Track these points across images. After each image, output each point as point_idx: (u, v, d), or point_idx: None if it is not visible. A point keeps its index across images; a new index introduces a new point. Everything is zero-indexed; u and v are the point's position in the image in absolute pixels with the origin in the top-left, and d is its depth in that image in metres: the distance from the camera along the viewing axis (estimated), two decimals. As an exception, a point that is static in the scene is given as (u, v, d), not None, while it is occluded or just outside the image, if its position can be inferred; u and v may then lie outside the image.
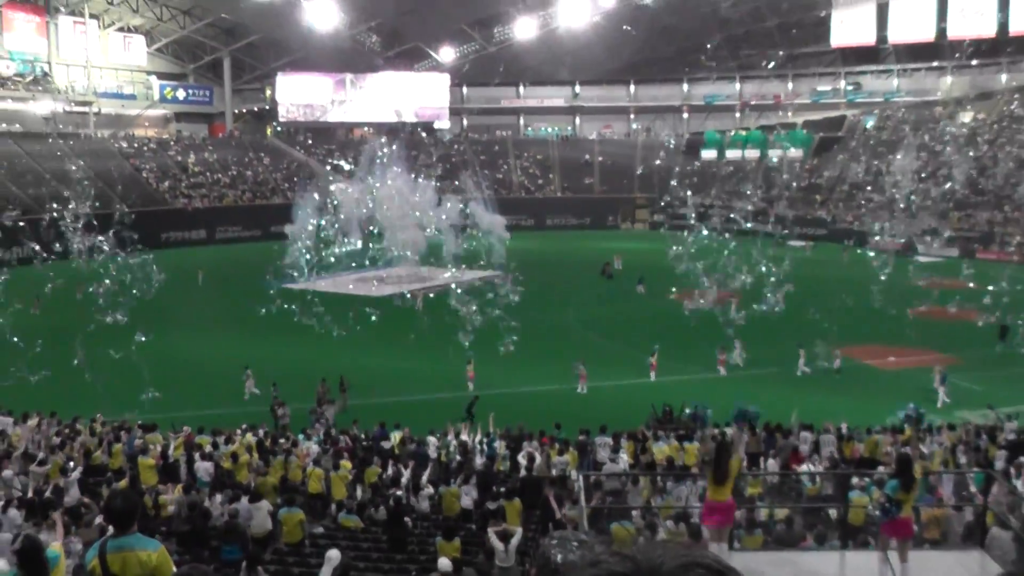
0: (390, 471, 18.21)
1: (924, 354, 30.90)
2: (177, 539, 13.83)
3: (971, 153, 68.78)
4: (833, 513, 13.54)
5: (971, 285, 39.00)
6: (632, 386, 28.65)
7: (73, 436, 20.33)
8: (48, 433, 20.41)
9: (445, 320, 32.77)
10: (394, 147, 57.85)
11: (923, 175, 69.39)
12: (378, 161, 55.45)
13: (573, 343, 33.78)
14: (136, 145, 75.32)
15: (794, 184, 74.91)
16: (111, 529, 5.74)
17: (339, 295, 44.45)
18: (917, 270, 51.32)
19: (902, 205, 63.41)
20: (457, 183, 61.11)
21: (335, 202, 54.97)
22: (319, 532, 15.08)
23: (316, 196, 54.92)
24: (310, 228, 52.46)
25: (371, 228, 53.05)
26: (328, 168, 77.15)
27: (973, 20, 75.56)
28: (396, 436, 21.60)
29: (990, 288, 33.38)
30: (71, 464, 17.46)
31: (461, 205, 53.67)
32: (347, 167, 70.32)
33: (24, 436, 19.91)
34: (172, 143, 78.59)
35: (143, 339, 27.94)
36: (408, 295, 42.98)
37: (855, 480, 14.42)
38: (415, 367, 30.53)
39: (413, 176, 57.06)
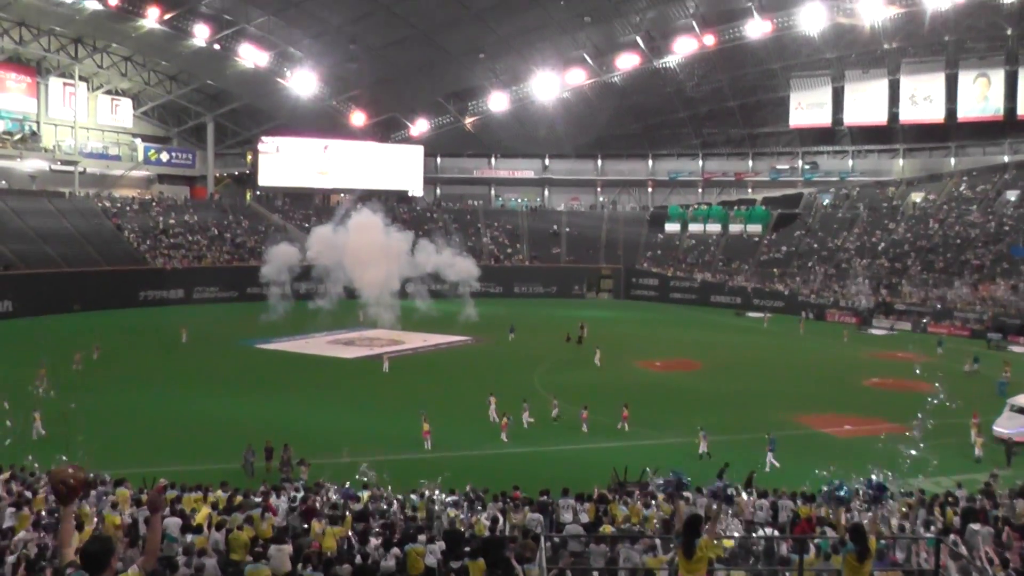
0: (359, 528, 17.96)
1: (877, 423, 31.10)
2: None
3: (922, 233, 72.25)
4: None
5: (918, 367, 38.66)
6: (590, 449, 29.70)
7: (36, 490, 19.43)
8: (18, 488, 19.47)
9: (411, 383, 34.34)
10: (369, 202, 60.82)
11: (877, 251, 73.01)
12: (353, 217, 58.35)
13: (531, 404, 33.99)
14: (119, 205, 77.33)
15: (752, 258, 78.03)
16: None
17: (311, 356, 46.27)
18: (870, 342, 54.08)
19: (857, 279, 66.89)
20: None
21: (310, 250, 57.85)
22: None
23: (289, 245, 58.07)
24: (284, 275, 55.09)
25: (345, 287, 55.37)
26: (304, 232, 79.38)
27: (923, 107, 79.82)
28: (365, 495, 21.58)
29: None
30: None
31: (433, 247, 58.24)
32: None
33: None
34: (154, 204, 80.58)
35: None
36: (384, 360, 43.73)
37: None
38: (381, 427, 31.56)
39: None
